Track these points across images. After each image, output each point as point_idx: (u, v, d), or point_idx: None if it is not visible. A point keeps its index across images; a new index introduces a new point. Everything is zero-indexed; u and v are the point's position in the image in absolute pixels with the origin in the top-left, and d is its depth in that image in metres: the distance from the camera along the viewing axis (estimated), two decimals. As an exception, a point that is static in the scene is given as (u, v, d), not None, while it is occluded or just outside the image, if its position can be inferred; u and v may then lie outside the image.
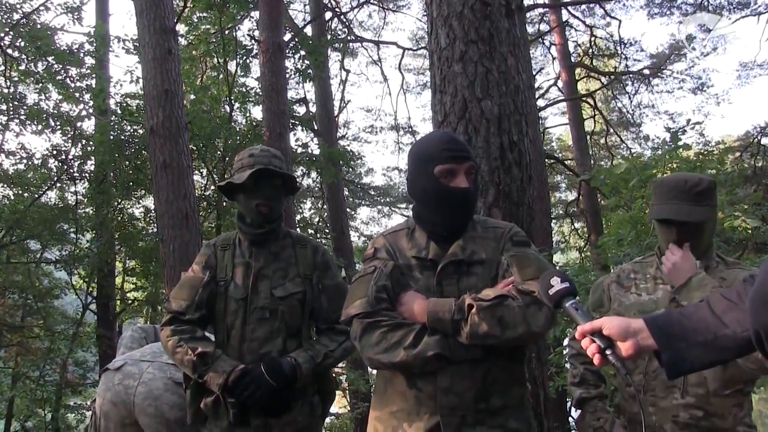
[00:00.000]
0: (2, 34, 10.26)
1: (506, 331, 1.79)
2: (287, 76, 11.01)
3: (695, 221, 2.15)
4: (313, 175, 15.46)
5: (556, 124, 21.41)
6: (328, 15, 15.63)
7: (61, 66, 10.72)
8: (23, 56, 10.63)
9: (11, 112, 10.52)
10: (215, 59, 12.64)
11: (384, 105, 53.75)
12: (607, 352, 1.43)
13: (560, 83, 17.11)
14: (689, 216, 2.14)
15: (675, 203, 2.18)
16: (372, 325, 1.88)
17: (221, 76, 12.69)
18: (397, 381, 1.94)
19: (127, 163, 10.53)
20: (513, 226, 2.10)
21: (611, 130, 18.50)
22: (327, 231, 15.13)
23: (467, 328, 1.79)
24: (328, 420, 11.33)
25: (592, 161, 17.14)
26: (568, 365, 2.67)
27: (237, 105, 12.09)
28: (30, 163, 10.97)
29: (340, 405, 12.73)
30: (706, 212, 2.16)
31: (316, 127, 14.61)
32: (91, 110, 11.22)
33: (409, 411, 1.91)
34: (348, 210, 17.81)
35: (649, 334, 1.40)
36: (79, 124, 11.18)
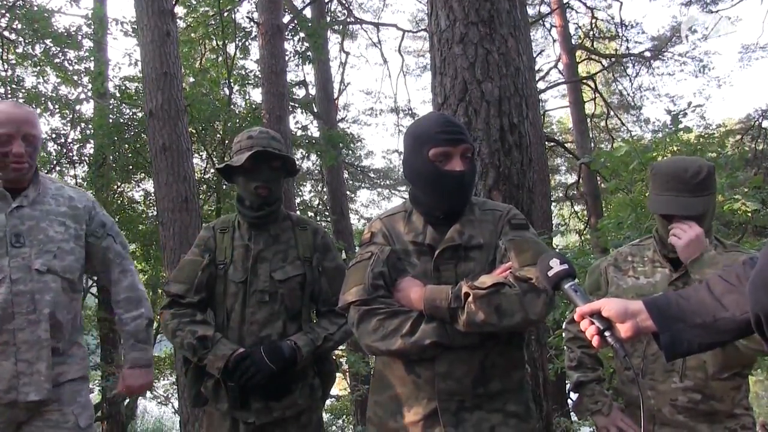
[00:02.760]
0: (-1, 17, 10.19)
1: (503, 319, 1.79)
2: (286, 58, 10.95)
3: (696, 214, 2.13)
4: (313, 157, 15.43)
5: (556, 106, 21.36)
6: (327, -3, 15.52)
7: (59, 49, 10.66)
8: (20, 39, 10.57)
9: (9, 96, 10.46)
10: (214, 42, 12.56)
11: (384, 87, 53.81)
12: (606, 333, 1.44)
13: (561, 65, 17.03)
14: (690, 210, 2.12)
15: (674, 195, 2.14)
16: (369, 312, 1.88)
17: (220, 58, 12.60)
18: (396, 366, 1.95)
19: (126, 146, 10.48)
20: (511, 209, 2.09)
21: (612, 113, 18.45)
22: (327, 214, 15.12)
23: (464, 316, 1.79)
24: (328, 402, 11.39)
25: (592, 144, 17.09)
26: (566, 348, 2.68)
27: (236, 88, 12.03)
28: (29, 146, 10.93)
29: (340, 387, 12.80)
30: (707, 202, 2.14)
31: (315, 110, 14.55)
32: (89, 93, 11.16)
33: (408, 396, 1.92)
34: (348, 193, 17.79)
35: (647, 315, 1.41)
36: (77, 107, 11.13)
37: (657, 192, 2.21)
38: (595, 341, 1.46)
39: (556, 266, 1.60)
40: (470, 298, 1.78)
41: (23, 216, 2.40)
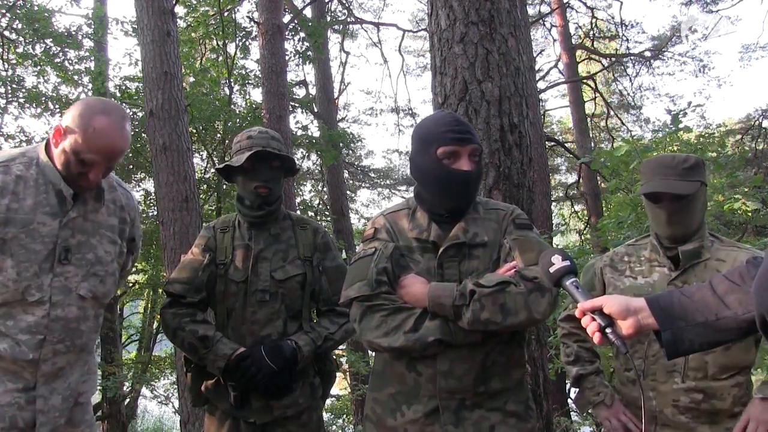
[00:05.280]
0: (-1, 16, 10.19)
1: (508, 318, 1.79)
2: (287, 58, 10.96)
3: (684, 194, 2.14)
4: (313, 157, 15.44)
5: (556, 106, 21.37)
6: (327, -4, 15.52)
7: (59, 48, 10.67)
8: (21, 38, 10.58)
9: (10, 95, 10.47)
10: (214, 41, 12.57)
11: (384, 87, 53.73)
12: (608, 330, 1.44)
13: (561, 65, 17.03)
14: (678, 188, 2.13)
15: (663, 178, 2.17)
16: (372, 308, 1.88)
17: (220, 58, 12.62)
18: (396, 363, 1.95)
19: (126, 145, 10.48)
20: (515, 208, 2.09)
21: (612, 113, 18.43)
22: (327, 213, 15.13)
23: (469, 314, 1.79)
24: (328, 401, 11.39)
25: (592, 144, 17.08)
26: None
27: (236, 87, 12.04)
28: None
29: (340, 386, 12.80)
30: (695, 187, 2.16)
31: (315, 110, 14.56)
32: (90, 93, 11.17)
33: (408, 393, 1.92)
34: (348, 192, 17.79)
35: (649, 313, 1.41)
36: (78, 106, 11.13)
37: (646, 180, 2.25)
38: (596, 338, 1.45)
39: (557, 262, 1.60)
40: (475, 296, 1.78)
41: (76, 227, 2.08)
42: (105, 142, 1.98)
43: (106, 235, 2.17)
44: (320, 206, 16.75)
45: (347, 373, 11.56)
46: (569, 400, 8.30)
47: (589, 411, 2.53)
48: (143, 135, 9.74)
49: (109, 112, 2.01)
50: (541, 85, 16.38)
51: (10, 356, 1.95)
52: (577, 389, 2.54)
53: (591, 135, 17.63)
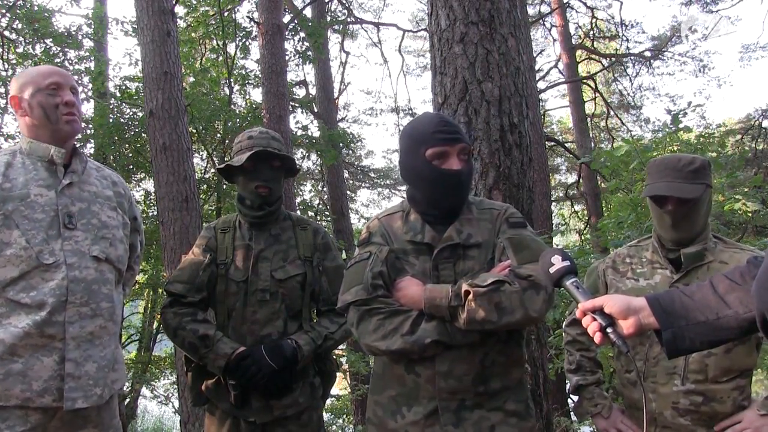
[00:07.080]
0: None
1: (504, 317, 1.78)
2: (287, 58, 10.96)
3: (690, 197, 2.13)
4: (313, 157, 15.44)
5: (556, 106, 21.41)
6: (327, -4, 15.52)
7: (59, 48, 10.67)
8: (21, 38, 10.58)
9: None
10: (214, 41, 12.57)
11: (384, 87, 53.63)
12: (608, 330, 1.44)
13: (561, 65, 17.03)
14: (684, 192, 2.12)
15: (669, 181, 2.16)
16: (369, 312, 1.88)
17: (220, 58, 12.63)
18: (395, 366, 1.95)
19: (126, 145, 10.47)
20: (508, 207, 2.09)
21: (612, 113, 18.44)
22: (327, 213, 15.12)
23: (464, 314, 1.79)
24: (328, 401, 11.38)
25: (592, 144, 17.08)
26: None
27: (237, 87, 12.04)
28: (29, 146, 10.91)
29: (340, 386, 12.79)
30: (701, 189, 2.15)
31: (315, 110, 14.55)
32: (90, 93, 11.17)
33: (408, 395, 1.93)
34: (348, 192, 17.79)
35: (650, 312, 1.41)
36: (78, 106, 11.13)
37: (651, 181, 2.24)
38: (597, 338, 1.45)
39: (557, 263, 1.59)
40: (470, 296, 1.78)
41: (73, 196, 2.16)
42: (46, 68, 2.22)
43: (106, 203, 2.28)
44: (320, 206, 16.74)
45: (347, 373, 11.56)
46: (569, 400, 8.31)
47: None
48: (143, 135, 9.73)
49: (33, 66, 2.25)
50: (541, 85, 16.39)
51: (35, 328, 1.98)
52: (577, 398, 2.55)
53: (591, 135, 17.63)
